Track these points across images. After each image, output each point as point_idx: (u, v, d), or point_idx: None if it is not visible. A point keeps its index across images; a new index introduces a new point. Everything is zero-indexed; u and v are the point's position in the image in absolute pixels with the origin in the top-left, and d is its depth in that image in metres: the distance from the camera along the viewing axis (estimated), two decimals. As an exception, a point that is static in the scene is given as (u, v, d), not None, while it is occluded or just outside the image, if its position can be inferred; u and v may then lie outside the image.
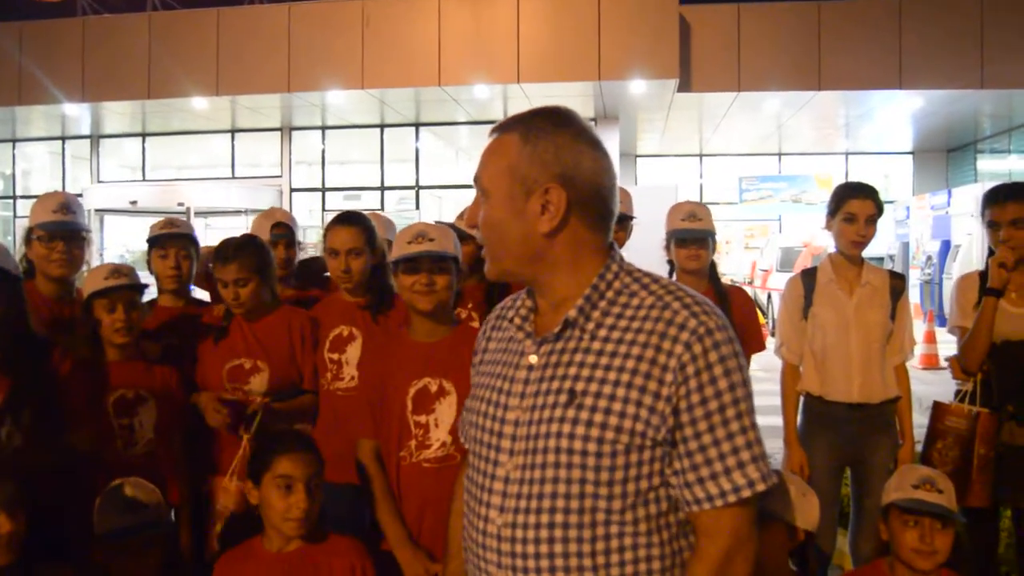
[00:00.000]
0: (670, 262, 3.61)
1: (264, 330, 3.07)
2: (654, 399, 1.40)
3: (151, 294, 3.34)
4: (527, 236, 1.48)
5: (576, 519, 1.41)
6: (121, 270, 2.87)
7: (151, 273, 3.42)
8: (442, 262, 2.54)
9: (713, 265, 3.58)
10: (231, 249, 2.98)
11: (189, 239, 3.43)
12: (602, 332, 1.46)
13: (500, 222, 1.50)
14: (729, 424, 1.41)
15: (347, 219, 3.19)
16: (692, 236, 3.44)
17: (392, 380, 2.54)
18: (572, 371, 1.45)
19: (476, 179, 1.53)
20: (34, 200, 3.26)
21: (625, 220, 3.45)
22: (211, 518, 2.93)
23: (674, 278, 3.51)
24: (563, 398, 1.44)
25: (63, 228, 3.09)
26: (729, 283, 3.75)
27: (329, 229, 3.19)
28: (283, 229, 3.77)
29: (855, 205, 3.33)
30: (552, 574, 1.41)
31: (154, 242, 3.38)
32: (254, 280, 2.99)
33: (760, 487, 1.42)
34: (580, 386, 1.43)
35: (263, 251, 3.08)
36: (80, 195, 15.79)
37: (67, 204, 3.14)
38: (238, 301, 2.98)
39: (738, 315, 3.51)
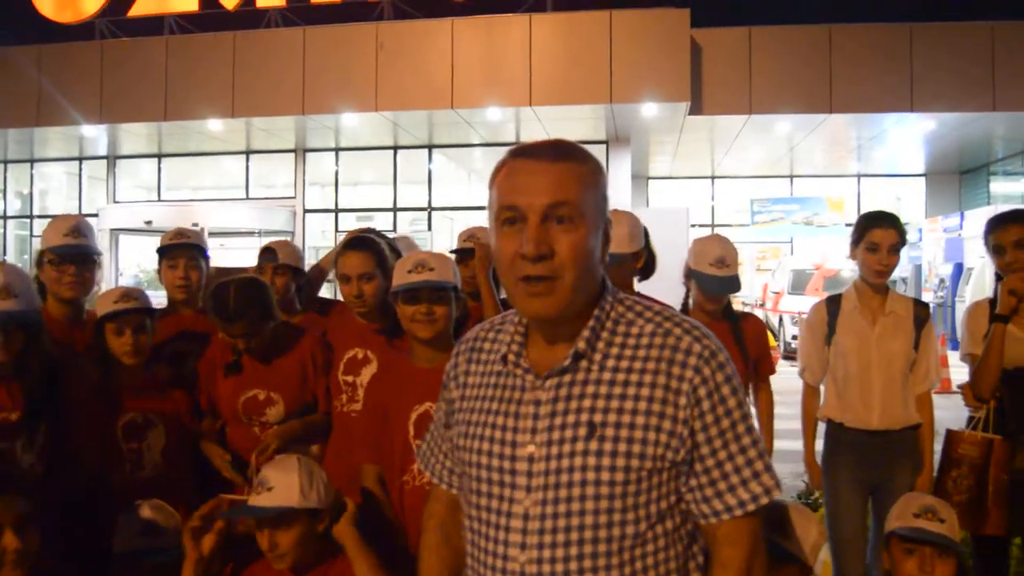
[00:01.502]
0: (687, 292, 3.58)
1: (277, 360, 3.05)
2: (672, 423, 1.45)
3: (163, 304, 3.35)
4: (598, 268, 1.50)
5: (604, 547, 1.44)
6: (131, 293, 2.88)
7: (161, 283, 3.43)
8: (442, 291, 2.56)
9: (728, 301, 3.58)
10: (231, 309, 2.88)
11: (198, 250, 3.44)
12: (610, 363, 1.48)
13: (592, 252, 1.47)
14: (741, 439, 1.49)
15: (358, 244, 3.19)
16: (724, 291, 3.43)
17: (394, 405, 2.55)
18: (587, 403, 1.46)
19: (560, 203, 1.42)
20: (49, 221, 3.30)
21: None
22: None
23: (689, 309, 3.52)
24: (583, 431, 1.45)
25: (74, 251, 3.10)
26: (741, 308, 3.74)
27: (340, 255, 3.19)
28: (269, 254, 3.65)
29: (878, 235, 3.33)
30: None
31: (163, 252, 3.40)
32: (261, 327, 2.96)
33: (775, 494, 1.50)
34: (599, 418, 1.45)
35: (261, 296, 2.98)
36: (96, 215, 15.98)
37: (78, 227, 3.16)
38: (249, 347, 2.98)
39: (752, 344, 3.51)
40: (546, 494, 1.46)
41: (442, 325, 2.56)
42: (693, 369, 1.46)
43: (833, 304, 3.50)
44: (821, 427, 3.56)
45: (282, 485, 2.26)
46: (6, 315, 2.48)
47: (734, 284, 3.43)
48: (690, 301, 3.56)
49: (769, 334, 4.48)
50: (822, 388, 3.57)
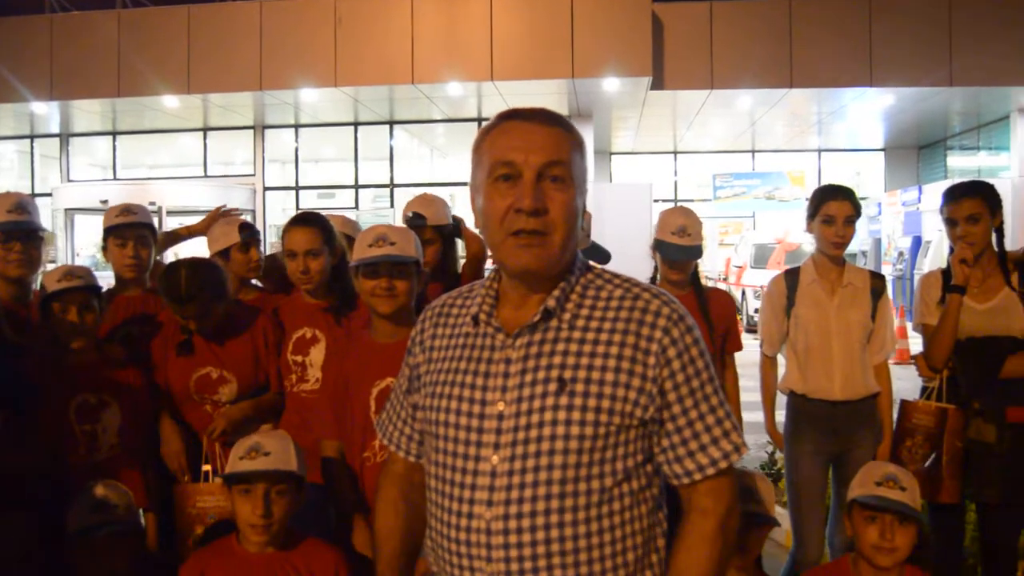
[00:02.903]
0: (655, 267, 3.64)
1: (228, 340, 3.01)
2: (642, 380, 1.48)
3: (107, 279, 3.27)
4: (579, 232, 1.55)
5: (571, 502, 1.46)
6: (75, 272, 2.82)
7: (107, 261, 3.35)
8: (402, 266, 2.52)
9: (695, 272, 3.63)
10: (183, 291, 2.85)
11: (148, 228, 3.36)
12: (580, 322, 1.52)
13: (577, 213, 1.52)
14: (710, 399, 1.53)
15: (303, 220, 3.16)
16: (684, 256, 3.48)
17: (355, 381, 2.53)
18: (557, 360, 1.49)
19: (554, 163, 1.48)
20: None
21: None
22: (184, 523, 2.83)
23: (657, 282, 3.54)
24: (552, 387, 1.48)
25: (19, 228, 3.03)
26: (709, 284, 3.79)
27: (286, 231, 3.14)
28: (250, 230, 3.59)
29: (833, 207, 3.37)
30: (548, 559, 1.45)
31: (110, 231, 3.30)
32: (213, 309, 2.92)
33: (744, 451, 1.55)
34: (568, 374, 1.48)
35: (213, 277, 2.95)
36: (50, 194, 15.62)
37: (22, 204, 3.08)
38: (200, 327, 2.94)
39: (719, 318, 3.55)
40: (515, 450, 1.47)
41: (403, 300, 2.53)
42: (662, 330, 1.50)
43: (791, 277, 3.54)
44: (780, 399, 3.60)
45: (279, 450, 2.30)
46: None
47: (695, 252, 3.52)
48: (657, 276, 3.60)
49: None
50: (781, 360, 3.61)
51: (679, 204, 13.50)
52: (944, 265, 3.37)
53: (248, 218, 3.84)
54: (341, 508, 2.55)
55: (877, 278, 3.51)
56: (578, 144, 1.54)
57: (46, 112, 14.83)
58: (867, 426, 3.43)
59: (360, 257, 2.53)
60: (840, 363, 3.38)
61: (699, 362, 1.52)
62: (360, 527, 2.47)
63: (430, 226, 3.34)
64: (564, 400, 1.46)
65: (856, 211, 3.41)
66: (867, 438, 3.42)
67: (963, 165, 17.84)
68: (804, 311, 3.45)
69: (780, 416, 3.62)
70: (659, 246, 3.52)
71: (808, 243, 14.53)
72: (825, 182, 5.30)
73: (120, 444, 2.82)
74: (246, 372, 3.00)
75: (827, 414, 3.40)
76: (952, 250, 3.29)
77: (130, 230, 3.30)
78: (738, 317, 3.79)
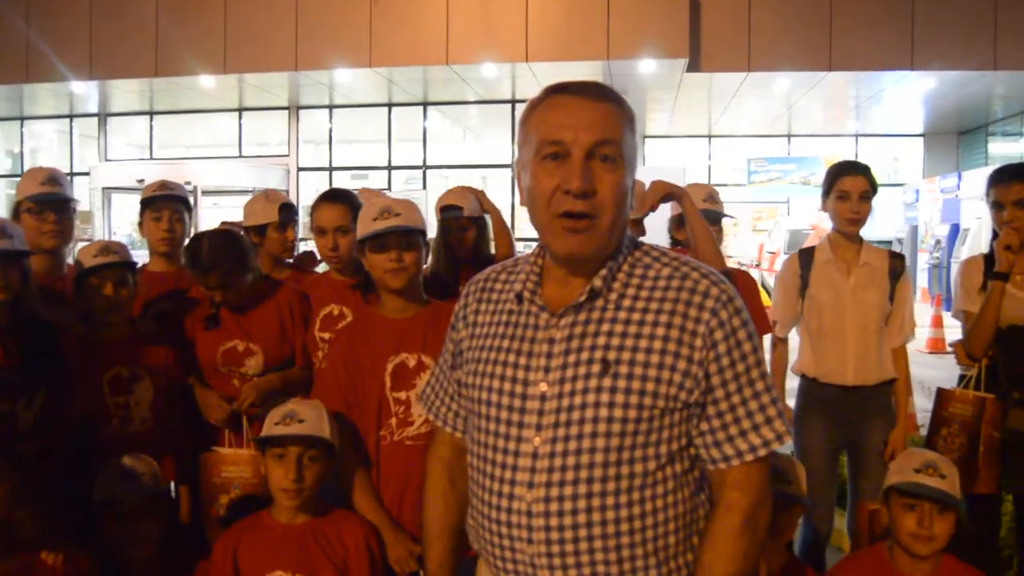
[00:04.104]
0: (675, 241, 3.61)
1: (254, 312, 3.02)
2: (688, 363, 1.44)
3: (143, 258, 3.31)
4: (628, 212, 1.51)
5: (613, 485, 1.43)
6: (111, 247, 2.84)
7: (143, 236, 3.38)
8: (410, 236, 2.45)
9: None
10: (205, 260, 2.86)
11: (183, 202, 3.38)
12: (626, 302, 1.48)
13: (627, 193, 1.48)
14: (755, 384, 1.49)
15: (333, 196, 3.16)
16: (711, 217, 3.42)
17: (368, 358, 2.46)
18: (601, 341, 1.46)
19: (605, 142, 1.43)
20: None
21: None
22: (209, 492, 2.84)
23: None
24: (596, 368, 1.45)
25: (52, 198, 3.07)
26: (736, 266, 3.77)
27: (315, 208, 3.14)
28: (290, 210, 3.63)
29: (847, 183, 3.30)
30: (590, 542, 1.43)
31: (147, 203, 3.33)
32: (237, 278, 2.93)
33: (787, 439, 1.51)
34: (612, 355, 1.45)
35: (235, 247, 2.95)
36: (87, 173, 15.83)
37: (54, 176, 3.12)
38: (226, 298, 2.95)
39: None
40: (556, 432, 1.45)
41: (412, 271, 2.45)
42: (710, 312, 1.45)
43: (806, 256, 3.46)
44: (791, 382, 3.56)
45: (313, 418, 2.32)
46: (2, 251, 2.45)
47: (722, 217, 3.64)
48: None
49: (764, 293, 4.47)
50: (793, 342, 3.55)
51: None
52: (983, 252, 3.30)
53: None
54: (352, 491, 2.47)
55: (896, 258, 3.40)
56: (629, 119, 1.49)
57: (85, 92, 15.00)
58: (879, 415, 3.34)
59: (365, 231, 2.45)
60: (854, 346, 3.29)
61: (746, 345, 1.48)
62: (363, 489, 2.41)
63: (466, 217, 3.41)
64: (608, 382, 1.44)
65: (872, 187, 3.31)
66: (880, 426, 3.34)
67: (1005, 152, 17.44)
68: (819, 291, 3.36)
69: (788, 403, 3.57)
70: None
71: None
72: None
73: (152, 418, 2.85)
74: (272, 344, 3.01)
75: (838, 399, 3.32)
76: (996, 235, 3.22)
77: (166, 203, 3.32)
78: (767, 302, 3.74)
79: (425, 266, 2.62)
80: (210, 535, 2.71)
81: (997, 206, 3.20)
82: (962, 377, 3.29)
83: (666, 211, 3.53)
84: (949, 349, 3.48)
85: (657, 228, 3.62)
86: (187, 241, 3.37)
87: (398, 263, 2.42)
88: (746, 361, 1.48)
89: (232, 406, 2.89)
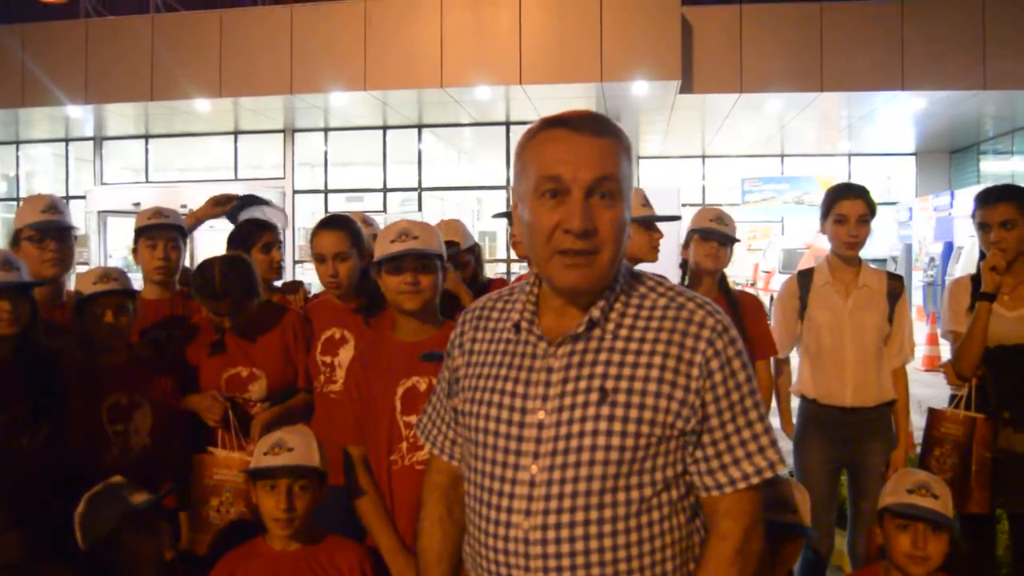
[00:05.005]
0: (683, 264, 3.58)
1: (258, 337, 3.03)
2: (684, 392, 1.46)
3: (137, 283, 3.30)
4: (626, 243, 1.51)
5: (610, 512, 1.44)
6: (110, 274, 2.84)
7: (137, 263, 3.37)
8: (427, 260, 2.45)
9: (723, 275, 3.58)
10: (217, 287, 2.86)
11: (178, 230, 3.38)
12: (623, 332, 1.50)
13: (626, 227, 1.48)
14: (748, 412, 1.51)
15: (332, 223, 3.16)
16: (717, 234, 3.40)
17: (380, 382, 2.46)
18: (599, 370, 1.48)
19: (605, 178, 1.42)
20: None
21: None
22: (200, 493, 2.80)
23: (687, 282, 3.51)
24: (594, 396, 1.46)
25: (53, 226, 3.07)
26: (740, 289, 3.76)
27: (314, 235, 3.15)
28: (274, 236, 3.60)
29: (846, 206, 3.32)
30: (587, 569, 1.43)
31: (141, 232, 3.33)
32: (246, 305, 2.93)
33: (779, 468, 1.52)
34: (610, 384, 1.46)
35: (247, 273, 2.96)
36: (83, 197, 15.84)
37: (54, 204, 3.13)
38: (234, 324, 2.95)
39: (750, 322, 3.48)
40: (554, 459, 1.45)
41: (428, 295, 2.45)
42: (706, 342, 1.48)
43: (805, 278, 3.48)
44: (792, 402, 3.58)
45: (301, 445, 2.31)
46: (12, 284, 2.46)
47: (730, 239, 3.46)
48: (686, 280, 3.54)
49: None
50: (794, 363, 3.57)
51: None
52: (971, 273, 3.32)
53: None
54: (363, 516, 2.46)
55: (894, 280, 3.42)
56: (626, 150, 1.48)
57: (80, 115, 15.03)
58: (879, 437, 3.35)
59: (383, 253, 2.45)
60: (853, 367, 3.32)
61: (740, 375, 1.50)
62: (385, 533, 2.38)
63: (463, 251, 3.55)
64: (605, 410, 1.45)
65: (870, 210, 3.33)
66: (879, 447, 3.35)
67: (996, 170, 17.55)
68: (818, 313, 3.38)
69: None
70: (699, 231, 3.43)
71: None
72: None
73: (152, 444, 2.85)
74: (276, 369, 3.01)
75: (838, 421, 3.34)
76: (983, 255, 3.24)
77: (161, 232, 3.32)
78: (768, 323, 3.76)
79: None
80: (200, 535, 2.73)
81: (984, 227, 3.22)
82: (953, 397, 3.31)
83: (675, 231, 3.55)
84: (941, 368, 3.50)
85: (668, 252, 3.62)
86: (183, 266, 3.38)
87: (413, 286, 2.42)
88: (740, 391, 1.50)
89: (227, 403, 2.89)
